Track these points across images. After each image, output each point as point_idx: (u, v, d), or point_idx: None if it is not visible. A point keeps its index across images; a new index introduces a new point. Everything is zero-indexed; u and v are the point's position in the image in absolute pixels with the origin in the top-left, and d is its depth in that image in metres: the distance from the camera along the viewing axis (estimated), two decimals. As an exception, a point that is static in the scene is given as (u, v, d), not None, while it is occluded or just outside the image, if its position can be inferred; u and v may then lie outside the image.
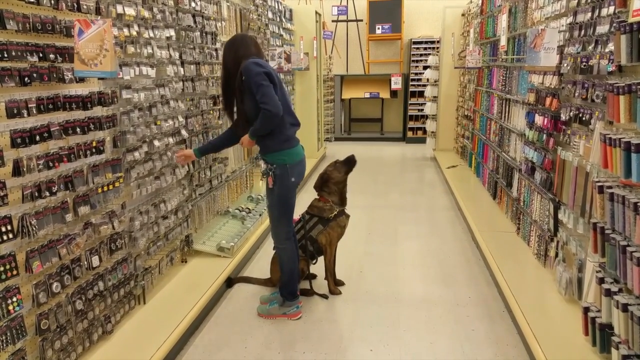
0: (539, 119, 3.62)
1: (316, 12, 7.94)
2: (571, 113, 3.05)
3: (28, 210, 2.11)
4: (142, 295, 3.00)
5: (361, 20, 10.69)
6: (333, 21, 10.70)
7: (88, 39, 2.23)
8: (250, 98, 2.88)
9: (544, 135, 3.51)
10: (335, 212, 3.39)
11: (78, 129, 2.38)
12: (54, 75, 2.22)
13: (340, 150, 9.51)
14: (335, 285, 3.53)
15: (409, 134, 10.38)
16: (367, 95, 10.55)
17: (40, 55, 2.13)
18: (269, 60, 5.53)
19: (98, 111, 2.57)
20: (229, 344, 2.90)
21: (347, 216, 3.49)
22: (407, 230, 4.88)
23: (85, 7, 2.40)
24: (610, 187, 2.29)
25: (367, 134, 10.91)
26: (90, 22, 2.23)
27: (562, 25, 3.30)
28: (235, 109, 3.07)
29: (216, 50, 4.08)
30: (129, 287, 2.84)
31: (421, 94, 9.76)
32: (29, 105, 2.08)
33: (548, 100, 3.45)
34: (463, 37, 7.68)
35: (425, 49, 10.08)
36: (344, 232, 3.48)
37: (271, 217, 3.13)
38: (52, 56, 2.19)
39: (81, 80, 2.42)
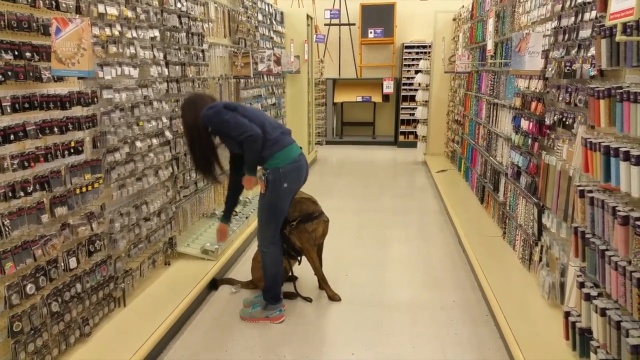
0: (524, 124, 3.62)
1: (308, 16, 7.95)
2: (555, 117, 3.06)
3: (1, 210, 2.08)
4: (122, 298, 2.96)
5: (354, 24, 10.71)
6: (326, 24, 10.72)
7: (65, 38, 2.20)
8: (227, 139, 2.99)
9: (529, 140, 3.51)
10: (297, 220, 3.34)
11: (56, 129, 2.36)
12: (31, 74, 2.19)
13: (331, 154, 9.51)
14: (332, 291, 3.50)
15: (401, 138, 10.39)
16: (359, 99, 10.56)
17: (16, 53, 2.10)
18: (257, 63, 5.53)
19: (77, 111, 2.55)
20: (209, 348, 2.87)
21: (322, 220, 3.41)
22: (395, 234, 4.87)
23: (64, 5, 2.38)
24: (590, 192, 2.29)
25: (359, 138, 10.91)
26: (68, 21, 2.20)
27: (548, 30, 3.31)
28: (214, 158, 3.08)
29: (203, 51, 4.06)
30: (108, 290, 2.80)
31: (413, 98, 9.77)
32: (3, 104, 2.06)
33: (533, 104, 3.46)
34: (454, 42, 7.70)
35: (417, 53, 10.10)
36: (317, 236, 3.40)
37: (259, 218, 3.11)
38: (28, 54, 2.16)
39: (60, 79, 2.40)
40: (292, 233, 3.35)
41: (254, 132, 2.83)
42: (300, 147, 3.16)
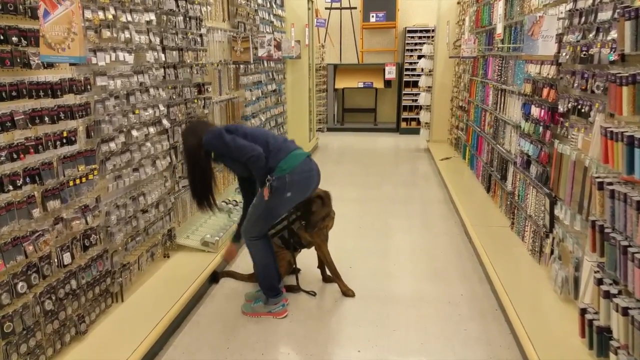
0: (535, 111, 3.49)
1: (308, -1, 7.75)
2: (569, 104, 2.92)
3: (-11, 205, 1.97)
4: (120, 293, 2.86)
5: (355, 8, 10.49)
6: (326, 8, 10.50)
7: (54, 21, 2.06)
8: (231, 163, 2.98)
9: (541, 128, 3.38)
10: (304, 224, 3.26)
11: (46, 118, 2.23)
12: (18, 60, 2.06)
13: (332, 141, 9.37)
14: (327, 281, 3.40)
15: (403, 124, 10.24)
16: (361, 84, 10.39)
17: (1, 38, 1.97)
18: (257, 48, 5.37)
19: (69, 99, 2.41)
20: (210, 344, 2.77)
21: (330, 217, 3.32)
22: (398, 224, 4.76)
23: (53, -14, 2.23)
24: (610, 184, 2.17)
25: (361, 125, 10.76)
26: (57, 3, 2.06)
27: (561, 13, 3.16)
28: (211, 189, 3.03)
29: (201, 36, 3.91)
30: (105, 285, 2.70)
31: (415, 84, 9.61)
32: (-11, 92, 1.93)
33: (545, 91, 3.32)
34: (458, 26, 7.52)
35: (420, 37, 9.91)
36: (326, 231, 3.33)
37: (250, 214, 3.01)
38: (15, 39, 2.03)
39: (50, 65, 2.26)
40: (300, 229, 3.25)
41: (254, 152, 2.79)
42: (309, 154, 3.04)
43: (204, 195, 2.98)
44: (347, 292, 3.32)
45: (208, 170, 2.95)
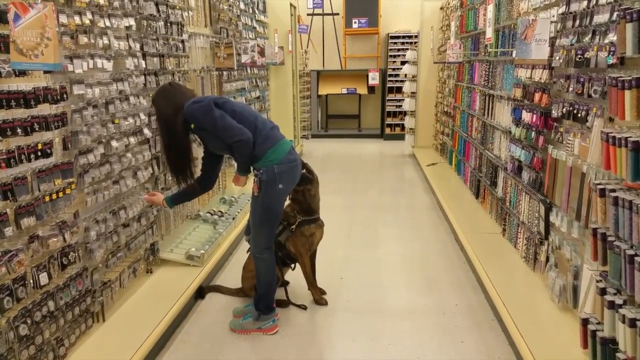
0: (526, 116, 3.44)
1: (291, 5, 7.67)
2: (564, 109, 2.87)
3: (-44, 225, 1.81)
4: (101, 313, 2.70)
5: (337, 14, 10.45)
6: (308, 14, 10.43)
7: (26, 26, 1.92)
8: (211, 139, 2.71)
9: (533, 133, 3.33)
10: (297, 221, 3.13)
11: (19, 130, 2.08)
12: (-14, 67, 1.91)
13: (317, 148, 9.28)
14: (318, 303, 3.28)
15: (387, 130, 10.20)
16: (344, 91, 10.33)
17: (-33, 43, 1.82)
18: (240, 54, 5.25)
19: (44, 109, 2.26)
20: (198, 365, 2.63)
21: (319, 225, 3.23)
22: (388, 232, 4.67)
23: (25, -12, 2.09)
24: (613, 191, 2.10)
25: (345, 131, 10.68)
26: (28, 6, 1.92)
27: (553, 16, 3.12)
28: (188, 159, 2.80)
29: (182, 42, 3.77)
30: (85, 305, 2.53)
31: (399, 90, 9.59)
32: (-46, 102, 1.78)
33: (537, 95, 3.27)
34: (442, 31, 7.51)
35: (402, 43, 9.89)
36: (314, 241, 3.21)
37: (252, 223, 2.87)
38: (-18, 44, 1.88)
39: (22, 73, 2.11)
40: (288, 240, 3.13)
41: (244, 136, 2.59)
42: (291, 141, 2.89)
43: (181, 170, 2.76)
44: (319, 301, 3.24)
45: (186, 143, 2.72)
